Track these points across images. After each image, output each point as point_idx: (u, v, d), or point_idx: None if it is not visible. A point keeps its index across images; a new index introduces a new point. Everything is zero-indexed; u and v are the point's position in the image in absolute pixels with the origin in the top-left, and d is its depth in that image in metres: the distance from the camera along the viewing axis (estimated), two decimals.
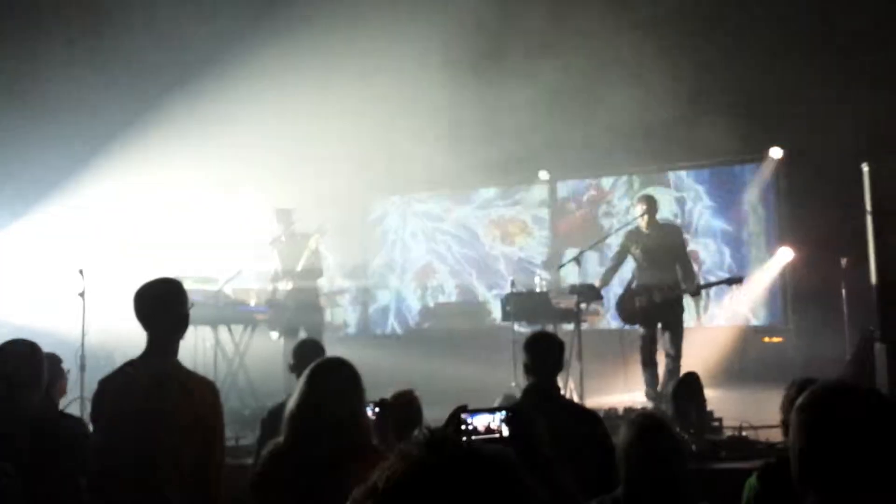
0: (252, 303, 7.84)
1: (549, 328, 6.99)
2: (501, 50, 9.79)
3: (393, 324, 11.47)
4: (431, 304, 10.22)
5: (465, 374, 8.86)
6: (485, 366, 8.84)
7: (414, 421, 3.84)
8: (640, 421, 3.28)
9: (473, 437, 2.85)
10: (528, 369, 3.90)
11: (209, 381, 3.39)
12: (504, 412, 2.91)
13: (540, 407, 3.76)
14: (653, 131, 9.68)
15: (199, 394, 3.17)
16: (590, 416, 3.92)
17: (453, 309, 9.94)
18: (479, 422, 2.76)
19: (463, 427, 2.79)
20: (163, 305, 3.22)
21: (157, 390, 3.08)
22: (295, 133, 10.72)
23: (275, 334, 7.61)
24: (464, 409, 2.87)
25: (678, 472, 3.06)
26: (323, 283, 7.93)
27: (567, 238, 10.77)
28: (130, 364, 3.30)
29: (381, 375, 8.11)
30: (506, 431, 2.87)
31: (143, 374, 3.15)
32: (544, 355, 3.86)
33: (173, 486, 3.01)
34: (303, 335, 7.45)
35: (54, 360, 4.14)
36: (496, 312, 10.29)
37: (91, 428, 3.43)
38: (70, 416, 3.87)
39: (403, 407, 3.79)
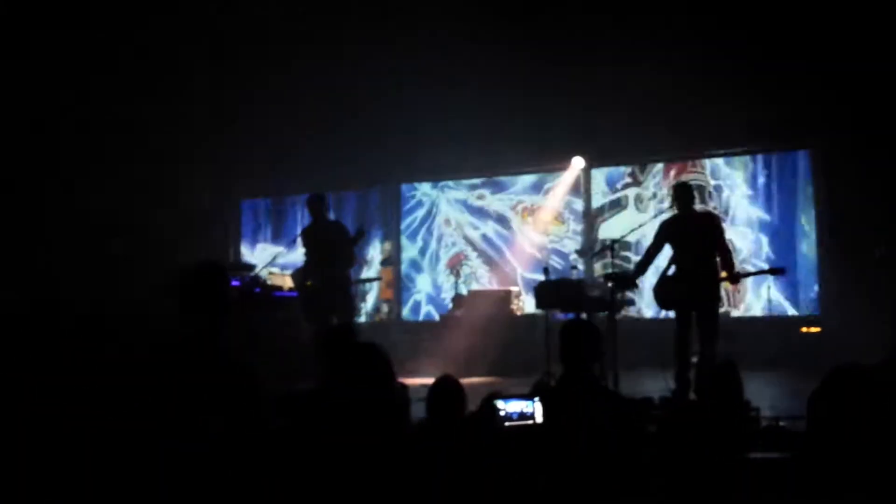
0: (286, 288, 7.90)
1: (583, 317, 6.97)
2: (537, 37, 9.74)
3: (428, 310, 11.51)
4: (464, 292, 10.21)
5: (497, 360, 8.89)
6: (517, 353, 8.86)
7: (457, 405, 3.83)
8: (672, 414, 3.26)
9: (507, 423, 2.85)
10: (564, 357, 3.87)
11: (249, 365, 3.42)
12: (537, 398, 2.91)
13: (576, 395, 3.75)
14: (689, 118, 9.61)
15: (239, 378, 3.19)
16: (626, 404, 3.89)
17: (486, 296, 9.92)
18: (513, 407, 2.77)
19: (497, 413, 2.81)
20: (201, 291, 3.25)
21: (194, 374, 3.11)
22: (331, 119, 10.83)
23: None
24: (496, 395, 2.88)
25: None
26: (355, 270, 7.95)
27: (601, 226, 10.70)
28: (171, 347, 3.33)
29: (414, 361, 8.21)
30: (539, 417, 2.87)
31: (181, 357, 3.18)
32: (580, 343, 3.83)
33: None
34: (334, 321, 7.50)
35: None
36: (528, 300, 10.31)
37: None
38: None
39: (447, 391, 3.79)
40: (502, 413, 2.79)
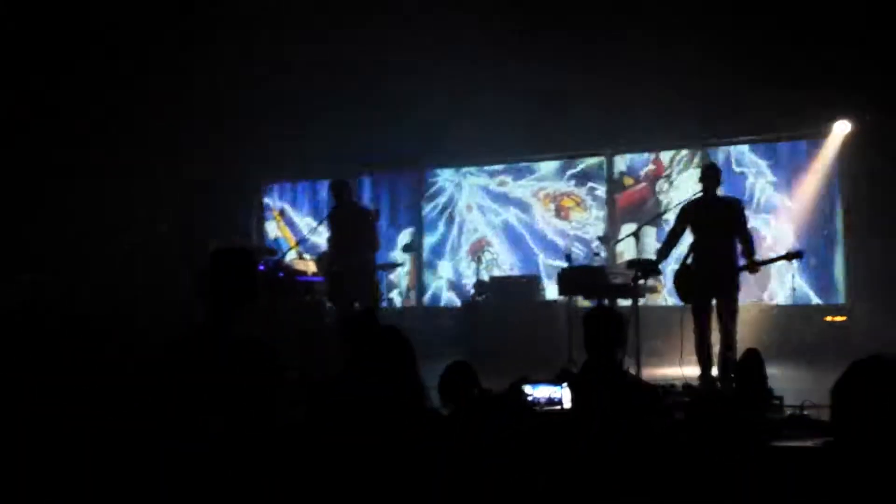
0: (309, 273, 7.94)
1: (605, 303, 6.95)
2: (560, 22, 9.68)
3: (449, 296, 11.52)
4: (486, 278, 10.21)
5: (519, 347, 8.87)
6: (539, 339, 8.84)
7: (469, 389, 3.84)
8: (697, 398, 3.26)
9: (535, 408, 2.86)
10: (588, 344, 3.86)
11: (272, 348, 3.44)
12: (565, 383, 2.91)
13: (600, 382, 3.75)
14: (714, 104, 9.52)
15: (262, 361, 3.21)
16: (650, 391, 3.88)
17: (508, 283, 9.91)
18: (541, 393, 2.77)
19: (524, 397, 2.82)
20: (225, 274, 3.26)
21: (213, 359, 3.12)
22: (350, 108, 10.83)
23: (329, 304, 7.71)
24: (524, 380, 2.89)
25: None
26: (378, 255, 7.96)
27: (624, 213, 10.66)
28: (191, 332, 3.36)
29: (437, 346, 8.22)
30: (567, 403, 2.87)
31: (202, 340, 3.19)
32: (604, 330, 3.82)
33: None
34: (357, 306, 7.53)
35: None
36: (550, 286, 10.29)
37: None
38: None
39: (458, 376, 3.81)
40: (530, 398, 2.79)
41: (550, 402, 2.88)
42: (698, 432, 2.93)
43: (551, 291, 10.18)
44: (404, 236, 11.73)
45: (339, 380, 3.76)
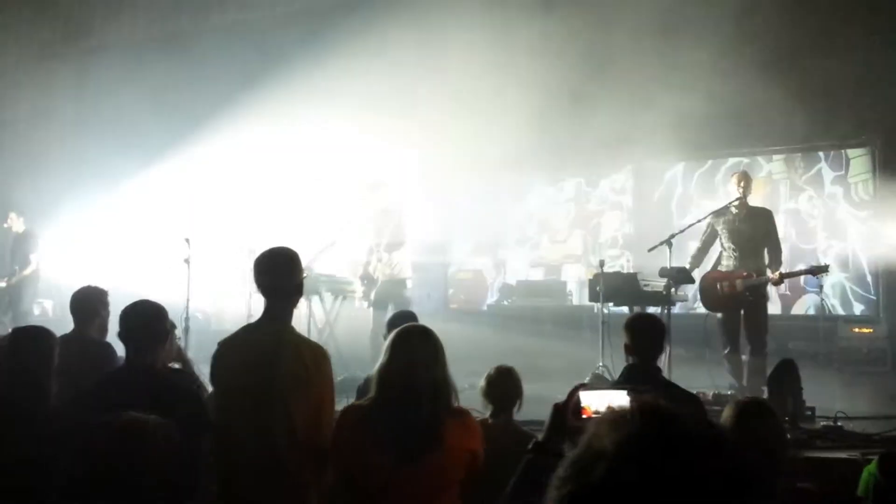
0: (338, 275, 8.01)
1: (636, 310, 6.98)
2: (588, 35, 9.73)
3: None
4: (513, 283, 10.27)
5: (547, 352, 8.91)
6: (566, 345, 8.88)
7: (512, 395, 3.90)
8: (743, 406, 3.30)
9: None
10: (630, 350, 3.92)
11: (321, 346, 3.52)
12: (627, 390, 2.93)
13: (640, 387, 3.80)
14: (739, 115, 9.52)
15: (311, 359, 3.28)
16: (690, 398, 3.93)
17: (534, 287, 9.97)
18: (601, 399, 2.81)
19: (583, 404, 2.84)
20: (281, 273, 3.34)
21: (272, 354, 3.20)
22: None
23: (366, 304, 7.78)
24: (583, 385, 2.91)
25: (780, 459, 3.06)
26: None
27: (652, 221, 10.66)
28: (248, 328, 3.45)
29: (463, 349, 8.26)
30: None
31: (260, 337, 3.28)
32: (647, 336, 3.88)
33: (286, 444, 3.15)
34: (391, 308, 7.59)
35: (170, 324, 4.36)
36: (576, 292, 10.35)
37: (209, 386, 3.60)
38: (182, 372, 4.04)
39: (503, 381, 3.87)
40: (589, 406, 2.83)
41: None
42: (746, 441, 2.94)
43: (576, 297, 10.26)
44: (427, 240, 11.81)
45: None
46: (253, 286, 3.43)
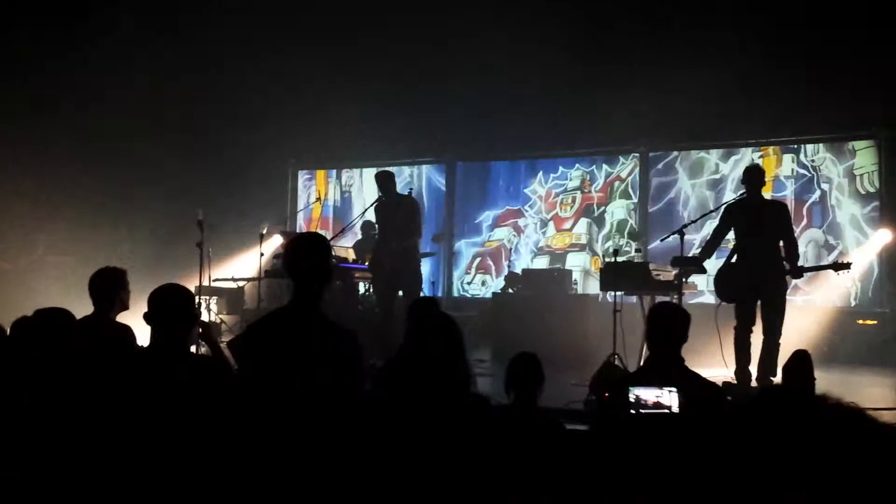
0: (350, 260, 8.03)
1: (647, 299, 7.00)
2: (604, 19, 9.74)
3: (475, 287, 11.62)
4: (518, 270, 10.27)
5: (550, 340, 8.91)
6: (570, 333, 8.89)
7: (533, 381, 3.91)
8: (773, 393, 3.32)
9: (641, 410, 2.92)
10: (652, 338, 3.93)
11: (351, 330, 3.52)
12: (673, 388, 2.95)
13: (663, 376, 3.81)
14: (750, 105, 9.53)
15: (341, 342, 3.29)
16: (712, 387, 3.93)
17: (539, 275, 9.96)
18: (647, 395, 2.83)
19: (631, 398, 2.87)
20: (312, 258, 3.34)
21: (303, 337, 3.21)
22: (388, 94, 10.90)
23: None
24: (628, 380, 2.93)
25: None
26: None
27: (661, 210, 10.69)
28: (280, 311, 3.45)
29: (470, 339, 8.27)
30: (675, 407, 2.92)
31: (292, 321, 3.28)
32: (670, 325, 3.88)
33: (308, 426, 3.15)
34: (401, 294, 7.61)
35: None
36: (580, 281, 10.38)
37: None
38: (204, 356, 4.03)
39: (526, 366, 3.88)
40: (637, 399, 2.85)
41: (658, 405, 2.92)
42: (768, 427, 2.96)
43: (581, 285, 10.28)
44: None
45: (397, 363, 3.85)
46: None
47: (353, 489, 3.09)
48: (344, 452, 3.21)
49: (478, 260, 11.73)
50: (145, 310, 3.14)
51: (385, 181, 7.71)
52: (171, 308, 3.13)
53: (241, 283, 10.71)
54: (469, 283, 11.63)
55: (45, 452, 2.92)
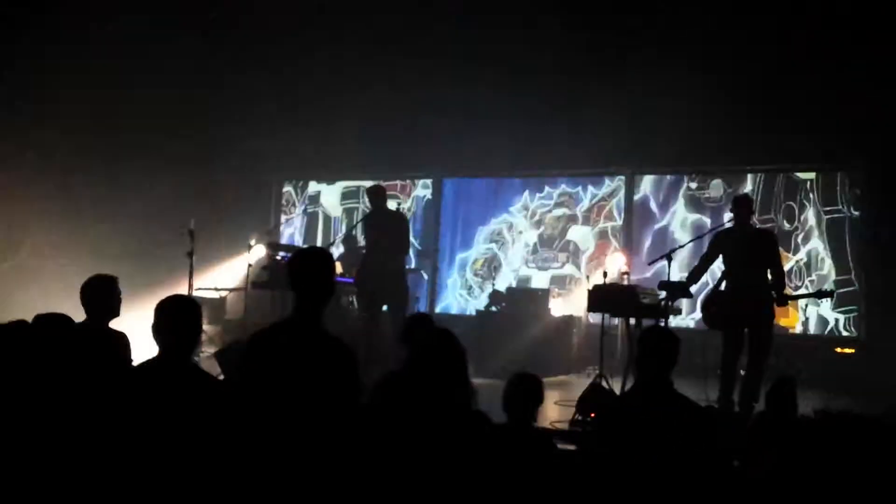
0: (338, 273, 8.03)
1: (632, 322, 7.06)
2: (583, 37, 9.86)
3: (459, 304, 11.65)
4: (502, 289, 10.33)
5: (532, 358, 8.95)
6: (552, 352, 8.95)
7: (537, 398, 3.95)
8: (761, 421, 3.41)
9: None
10: (641, 363, 3.99)
11: (350, 347, 3.54)
12: None
13: (652, 401, 3.87)
14: (734, 130, 9.67)
15: (339, 358, 3.31)
16: (702, 412, 3.99)
17: (523, 294, 10.03)
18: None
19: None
20: (315, 273, 3.36)
21: (304, 351, 3.22)
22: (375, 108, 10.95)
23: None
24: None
25: None
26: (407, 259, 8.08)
27: (645, 234, 10.79)
28: (281, 325, 3.47)
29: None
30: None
31: (294, 336, 3.30)
32: (661, 348, 3.94)
33: (310, 439, 3.16)
34: (387, 309, 7.63)
35: None
36: (562, 301, 10.46)
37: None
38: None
39: (528, 386, 3.92)
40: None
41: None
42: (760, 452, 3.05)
43: (561, 306, 10.35)
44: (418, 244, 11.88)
45: (397, 379, 3.87)
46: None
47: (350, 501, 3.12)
48: (342, 465, 3.24)
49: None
50: (134, 317, 3.15)
51: (376, 196, 7.74)
52: (181, 320, 3.14)
53: (223, 294, 10.68)
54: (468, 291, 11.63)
55: (45, 462, 2.92)
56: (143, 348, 3.27)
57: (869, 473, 3.30)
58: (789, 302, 6.74)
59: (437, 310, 11.64)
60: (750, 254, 6.53)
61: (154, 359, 3.11)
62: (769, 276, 6.51)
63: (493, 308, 9.88)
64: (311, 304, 3.33)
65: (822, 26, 9.05)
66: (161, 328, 3.10)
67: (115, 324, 4.33)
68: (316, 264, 3.40)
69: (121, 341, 4.13)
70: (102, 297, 4.23)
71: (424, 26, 10.17)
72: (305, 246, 3.62)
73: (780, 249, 6.95)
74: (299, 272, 3.36)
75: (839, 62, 9.01)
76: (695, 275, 6.82)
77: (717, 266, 6.91)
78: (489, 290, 10.53)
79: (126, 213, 10.20)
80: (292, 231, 12.74)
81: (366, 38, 10.40)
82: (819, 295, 6.66)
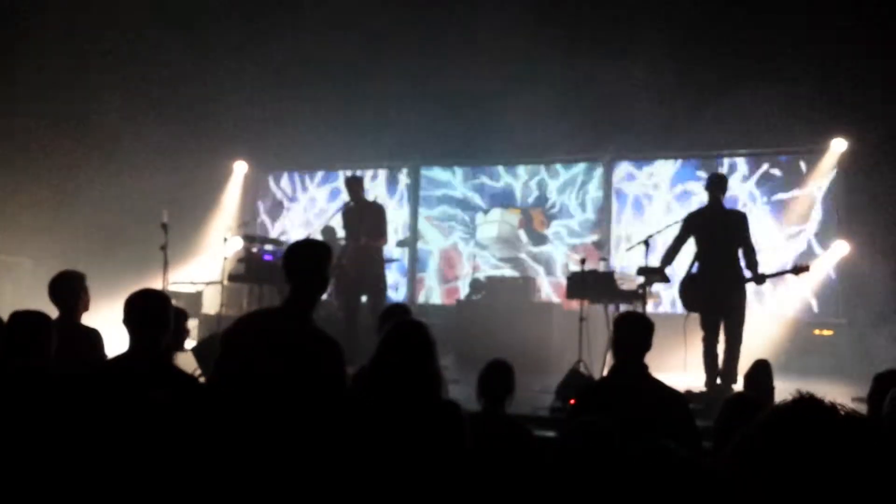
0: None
1: (611, 308, 7.08)
2: (566, 27, 9.82)
3: (438, 294, 11.65)
4: (482, 278, 10.32)
5: (512, 347, 8.95)
6: (532, 340, 8.95)
7: (504, 389, 3.95)
8: (734, 401, 3.42)
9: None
10: (616, 348, 3.99)
11: (336, 340, 3.50)
12: None
13: (627, 386, 3.87)
14: (710, 114, 9.67)
15: (326, 351, 3.26)
16: (676, 397, 3.99)
17: (504, 283, 10.03)
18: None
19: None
20: (310, 265, 3.31)
21: (292, 343, 3.18)
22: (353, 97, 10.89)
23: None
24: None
25: None
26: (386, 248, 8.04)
27: (623, 219, 10.82)
28: (269, 312, 3.42)
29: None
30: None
31: (281, 324, 3.24)
32: (633, 334, 3.94)
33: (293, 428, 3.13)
34: (365, 299, 7.61)
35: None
36: (546, 289, 10.47)
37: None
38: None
39: (499, 374, 3.92)
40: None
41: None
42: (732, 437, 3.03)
43: (546, 293, 10.36)
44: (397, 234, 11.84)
45: (365, 371, 3.86)
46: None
47: (325, 491, 3.10)
48: (322, 455, 3.22)
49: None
50: (104, 313, 3.11)
51: (354, 186, 7.71)
52: (150, 313, 3.10)
53: (199, 287, 10.59)
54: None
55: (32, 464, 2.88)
56: (119, 343, 3.21)
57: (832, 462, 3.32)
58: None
59: (420, 300, 11.62)
60: (720, 232, 6.55)
61: (125, 353, 3.07)
62: (741, 256, 6.54)
63: (474, 297, 9.88)
64: (304, 295, 3.28)
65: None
66: (130, 322, 3.06)
67: (89, 320, 4.29)
68: (313, 256, 3.35)
69: (92, 337, 4.09)
70: (69, 292, 4.19)
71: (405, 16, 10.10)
72: (303, 238, 3.57)
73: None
74: (296, 262, 3.31)
75: (826, 48, 9.04)
76: (668, 256, 6.81)
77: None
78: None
79: (100, 207, 10.10)
80: (268, 222, 12.67)
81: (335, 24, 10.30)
82: (796, 271, 6.67)
